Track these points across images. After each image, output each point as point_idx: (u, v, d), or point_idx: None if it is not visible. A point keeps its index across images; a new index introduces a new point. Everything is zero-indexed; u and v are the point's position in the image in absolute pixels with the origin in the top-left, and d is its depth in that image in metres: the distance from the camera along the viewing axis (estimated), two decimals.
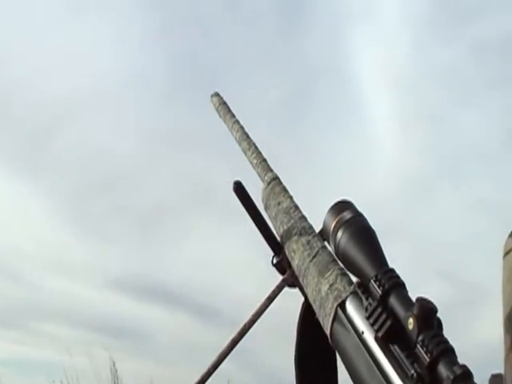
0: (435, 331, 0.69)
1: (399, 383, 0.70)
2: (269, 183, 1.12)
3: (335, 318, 0.85)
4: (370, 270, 0.79)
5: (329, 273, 0.90)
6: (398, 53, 7.00)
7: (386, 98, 7.08)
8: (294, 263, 1.00)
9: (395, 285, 0.76)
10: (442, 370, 0.66)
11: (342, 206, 0.88)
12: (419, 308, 0.69)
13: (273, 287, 1.17)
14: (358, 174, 6.65)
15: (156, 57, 7.31)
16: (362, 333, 0.78)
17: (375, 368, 0.73)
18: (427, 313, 0.69)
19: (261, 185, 1.15)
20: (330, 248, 0.91)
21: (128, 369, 7.04)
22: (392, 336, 0.73)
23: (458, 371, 0.64)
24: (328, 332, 0.86)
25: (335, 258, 0.90)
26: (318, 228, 1.00)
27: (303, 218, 1.04)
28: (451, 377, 0.64)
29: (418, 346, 0.68)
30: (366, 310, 0.78)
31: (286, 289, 1.13)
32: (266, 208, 1.10)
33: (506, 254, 0.57)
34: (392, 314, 0.74)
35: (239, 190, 1.07)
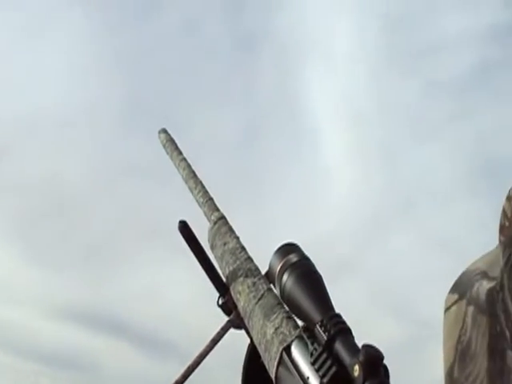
0: (381, 379, 0.68)
1: None
2: (215, 223, 1.11)
3: (280, 361, 0.84)
4: (315, 315, 0.78)
5: (274, 316, 0.90)
6: (352, 87, 7.11)
7: (341, 133, 7.18)
8: (240, 305, 0.98)
9: (341, 330, 0.75)
10: None
11: (287, 249, 0.87)
12: (365, 355, 0.69)
13: (218, 328, 1.15)
14: (311, 208, 6.69)
15: (110, 87, 7.28)
16: (307, 378, 0.77)
17: None
18: (373, 360, 0.69)
19: (207, 223, 1.14)
20: (276, 291, 0.90)
21: None
22: (337, 383, 0.72)
23: None
24: (273, 376, 0.85)
25: (281, 301, 0.89)
26: (264, 269, 0.99)
27: (249, 259, 1.03)
28: None
29: None
30: (312, 355, 0.77)
31: (232, 330, 1.11)
32: (212, 248, 1.09)
33: (447, 309, 0.57)
34: (337, 360, 0.73)
35: (184, 229, 1.05)
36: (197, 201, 1.17)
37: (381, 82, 7.01)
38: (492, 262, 0.58)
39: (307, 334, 0.80)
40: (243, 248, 1.05)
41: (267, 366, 0.88)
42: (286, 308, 0.89)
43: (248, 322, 0.95)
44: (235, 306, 1.02)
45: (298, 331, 0.84)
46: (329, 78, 7.22)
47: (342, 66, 7.18)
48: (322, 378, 0.74)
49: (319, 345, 0.76)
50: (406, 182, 6.55)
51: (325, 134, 7.17)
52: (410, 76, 6.86)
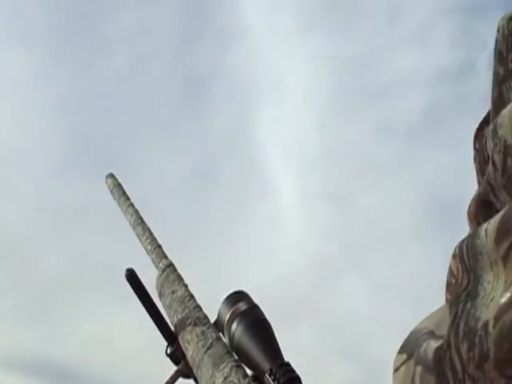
0: None
1: None
2: (163, 270, 1.10)
3: None
4: (264, 364, 0.78)
5: (223, 365, 0.88)
6: (302, 130, 7.20)
7: (293, 178, 7.23)
8: (189, 354, 0.97)
9: (290, 379, 0.74)
10: None
11: (236, 297, 0.87)
12: None
13: (166, 378, 1.13)
14: (263, 251, 6.69)
15: (56, 129, 7.21)
16: None
17: None
18: None
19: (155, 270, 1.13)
20: (225, 339, 0.89)
21: None
22: None
23: None
24: None
25: (230, 349, 0.88)
26: (213, 317, 0.97)
27: (198, 307, 1.01)
28: None
29: None
30: None
31: (181, 379, 1.09)
32: (160, 296, 1.08)
33: (396, 370, 0.57)
34: None
35: (131, 277, 1.04)
36: (144, 248, 1.16)
37: (331, 125, 7.13)
38: (439, 321, 0.58)
39: (257, 383, 0.79)
40: (192, 296, 1.04)
41: None
42: (236, 357, 0.88)
43: (197, 372, 0.93)
44: (184, 356, 1.00)
45: (247, 380, 0.83)
46: (279, 121, 7.31)
47: (292, 109, 7.29)
48: None
49: None
50: (356, 225, 6.62)
51: (276, 176, 7.23)
52: (360, 119, 7.00)
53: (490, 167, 0.62)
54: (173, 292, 1.05)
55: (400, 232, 6.45)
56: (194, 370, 0.94)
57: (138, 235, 1.18)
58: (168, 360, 1.06)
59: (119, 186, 1.28)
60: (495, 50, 0.66)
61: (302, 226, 6.91)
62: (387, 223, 6.54)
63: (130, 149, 7.06)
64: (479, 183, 0.92)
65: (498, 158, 0.59)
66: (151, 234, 1.17)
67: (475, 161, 0.94)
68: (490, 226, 0.52)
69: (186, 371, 1.02)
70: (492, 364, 0.48)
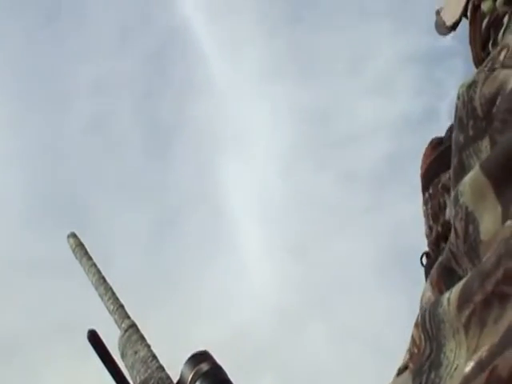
0: None
1: None
2: (126, 331, 1.10)
3: None
4: None
5: None
6: (268, 180, 7.24)
7: (256, 227, 7.24)
8: None
9: None
10: None
11: (199, 358, 0.87)
12: None
13: None
14: (227, 304, 6.64)
15: (15, 181, 7.14)
16: None
17: None
18: None
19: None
20: None
21: None
22: None
23: None
24: None
25: None
26: (176, 378, 0.97)
27: (161, 367, 1.01)
28: None
29: None
30: None
31: None
32: (123, 357, 1.07)
33: None
34: None
35: (93, 338, 1.03)
36: (107, 308, 1.16)
37: (296, 174, 7.19)
38: None
39: None
40: (154, 356, 1.04)
41: None
42: None
43: None
44: None
45: None
46: (244, 170, 7.35)
47: (255, 159, 7.34)
48: None
49: None
50: (321, 274, 6.63)
51: (239, 226, 7.22)
52: (326, 167, 7.07)
53: (451, 235, 0.62)
54: (135, 352, 1.05)
55: (363, 280, 6.47)
56: None
57: (100, 295, 1.18)
58: None
59: (81, 245, 1.28)
60: (455, 117, 0.67)
61: (265, 275, 6.90)
62: (350, 272, 6.56)
63: (93, 200, 7.02)
64: (429, 227, 0.93)
65: (459, 225, 0.60)
66: (113, 293, 1.17)
67: (427, 204, 0.94)
68: (453, 294, 0.53)
69: None
70: None
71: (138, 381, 1.01)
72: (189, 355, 0.88)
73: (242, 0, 7.17)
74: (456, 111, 0.67)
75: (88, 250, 1.28)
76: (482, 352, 0.47)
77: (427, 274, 0.86)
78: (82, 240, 1.32)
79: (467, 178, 0.59)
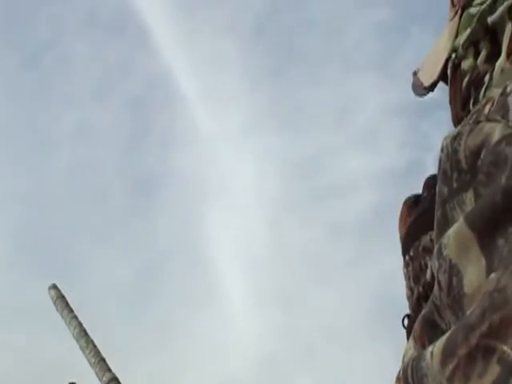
0: None
1: None
2: None
3: None
4: None
5: None
6: (253, 232, 7.23)
7: (242, 278, 7.20)
8: None
9: None
10: None
11: None
12: None
13: None
14: (212, 353, 6.57)
15: None
16: None
17: None
18: None
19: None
20: None
21: None
22: None
23: None
24: None
25: None
26: None
27: None
28: None
29: None
30: None
31: None
32: None
33: None
34: None
35: None
36: (88, 361, 1.15)
37: (281, 225, 7.19)
38: None
39: None
40: None
41: None
42: None
43: None
44: None
45: None
46: (229, 222, 7.35)
47: (241, 209, 7.35)
48: None
49: None
50: (306, 325, 6.60)
51: (225, 276, 7.20)
52: (311, 219, 7.09)
53: (435, 288, 0.62)
54: None
55: (351, 332, 6.44)
56: None
57: (81, 348, 1.17)
58: None
59: (62, 297, 1.27)
60: (439, 169, 0.67)
61: (251, 326, 6.85)
62: (338, 323, 6.53)
63: (76, 247, 6.97)
64: (410, 289, 0.93)
65: (443, 278, 0.59)
66: (95, 346, 1.16)
67: (407, 267, 0.94)
68: (436, 347, 0.52)
69: None
70: None
71: None
72: None
73: (225, 51, 7.25)
74: (440, 164, 0.68)
75: (69, 301, 1.27)
76: None
77: (409, 335, 0.88)
78: (64, 290, 1.31)
79: (451, 231, 0.60)
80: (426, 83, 0.92)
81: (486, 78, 0.79)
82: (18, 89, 7.32)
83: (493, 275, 0.52)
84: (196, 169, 7.26)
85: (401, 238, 0.96)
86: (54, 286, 1.30)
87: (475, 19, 0.84)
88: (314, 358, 6.53)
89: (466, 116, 0.76)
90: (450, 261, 0.59)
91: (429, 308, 0.66)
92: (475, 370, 0.48)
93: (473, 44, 0.83)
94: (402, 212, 0.98)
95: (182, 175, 7.32)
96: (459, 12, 0.89)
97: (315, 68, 7.17)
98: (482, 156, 0.61)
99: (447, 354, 0.51)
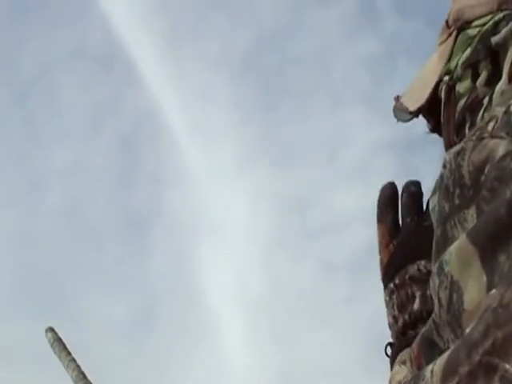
0: None
1: None
2: None
3: None
4: None
5: None
6: (247, 269, 7.20)
7: (236, 316, 7.15)
8: None
9: None
10: None
11: None
12: None
13: None
14: None
15: None
16: None
17: None
18: None
19: None
20: None
21: None
22: None
23: None
24: None
25: None
26: None
27: None
28: None
29: None
30: None
31: None
32: None
33: None
34: None
35: None
36: None
37: (274, 261, 7.17)
38: None
39: None
40: None
41: None
42: None
43: None
44: None
45: None
46: (222, 258, 7.32)
47: (235, 246, 7.32)
48: None
49: None
50: (302, 364, 6.53)
51: (219, 315, 7.15)
52: (304, 256, 7.06)
53: (435, 305, 0.61)
54: None
55: (345, 368, 6.39)
56: None
57: None
58: None
59: (59, 340, 1.27)
60: (440, 186, 0.66)
61: (246, 362, 6.79)
62: (334, 361, 6.48)
63: (71, 288, 6.93)
64: (393, 317, 0.90)
65: (443, 294, 0.59)
66: None
67: (391, 295, 0.91)
68: (437, 365, 0.51)
69: None
70: None
71: None
72: None
73: (214, 85, 7.29)
74: (441, 180, 0.66)
75: (66, 343, 1.27)
76: None
77: (392, 363, 0.86)
78: (61, 332, 1.31)
79: (453, 247, 0.59)
80: (412, 108, 0.91)
81: (485, 101, 0.78)
82: (7, 127, 7.32)
83: (494, 291, 0.51)
84: (187, 206, 7.25)
85: (382, 264, 0.95)
86: (51, 329, 1.29)
87: (476, 40, 0.83)
88: None
89: (460, 141, 0.75)
90: (452, 277, 0.58)
91: (428, 326, 0.66)
92: None
93: (470, 66, 0.82)
94: (381, 235, 0.95)
95: (173, 212, 7.31)
96: (454, 34, 0.87)
97: (304, 102, 7.22)
98: (485, 171, 0.60)
99: (448, 371, 0.50)
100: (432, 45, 0.94)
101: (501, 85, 0.78)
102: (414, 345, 0.69)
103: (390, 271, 0.92)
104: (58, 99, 7.33)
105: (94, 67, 7.28)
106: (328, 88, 7.35)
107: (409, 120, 0.93)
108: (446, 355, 0.51)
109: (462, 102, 0.82)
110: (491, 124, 0.65)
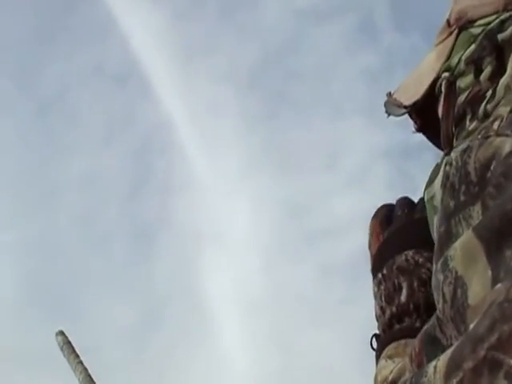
0: None
1: None
2: None
3: None
4: None
5: None
6: (248, 274, 7.24)
7: (236, 320, 7.19)
8: None
9: None
10: None
11: None
12: None
13: None
14: None
15: (5, 273, 7.12)
16: None
17: None
18: None
19: None
20: None
21: None
22: None
23: None
24: None
25: None
26: None
27: None
28: None
29: None
30: None
31: None
32: None
33: None
34: None
35: None
36: None
37: (275, 266, 7.20)
38: None
39: None
40: None
41: None
42: None
43: None
44: None
45: None
46: (224, 265, 7.36)
47: (237, 252, 7.37)
48: None
49: None
50: (301, 366, 6.58)
51: (220, 319, 7.20)
52: (303, 260, 7.10)
53: (439, 301, 0.61)
54: None
55: (343, 370, 6.42)
56: None
57: None
58: None
59: (69, 343, 1.31)
60: (445, 183, 0.66)
61: (246, 365, 6.82)
62: (333, 363, 6.51)
63: (81, 293, 6.99)
64: (381, 308, 0.89)
65: (447, 290, 0.58)
66: None
67: (379, 285, 0.90)
68: (440, 361, 0.50)
69: None
70: None
71: None
72: None
73: (223, 98, 7.39)
74: (447, 178, 0.66)
75: (75, 347, 1.34)
76: None
77: (378, 355, 0.87)
78: (70, 335, 1.37)
79: (457, 243, 0.58)
80: (407, 102, 0.90)
81: (488, 94, 0.78)
82: (29, 138, 7.47)
83: (499, 285, 0.50)
84: (192, 214, 7.32)
85: (371, 254, 0.94)
86: (61, 333, 1.34)
87: (480, 37, 0.83)
88: None
89: (459, 134, 0.80)
90: (456, 272, 0.57)
91: (432, 322, 0.65)
92: None
93: (474, 62, 0.82)
94: (372, 227, 0.95)
95: (178, 221, 7.39)
96: (455, 33, 0.87)
97: (306, 113, 7.31)
98: (491, 168, 0.60)
99: (452, 367, 0.49)
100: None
101: (505, 78, 0.77)
102: (416, 341, 0.68)
103: (379, 262, 0.91)
104: (77, 113, 7.47)
105: (110, 83, 7.42)
106: (328, 99, 7.42)
107: (401, 115, 0.92)
108: (449, 351, 0.50)
109: (462, 97, 0.82)
110: (497, 123, 0.65)
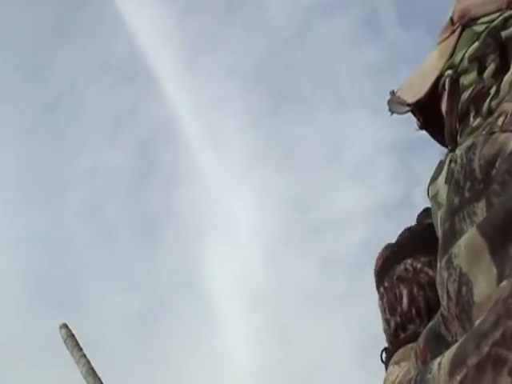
0: None
1: None
2: None
3: None
4: None
5: None
6: (250, 266, 7.25)
7: (239, 313, 7.21)
8: None
9: None
10: None
11: None
12: None
13: None
14: None
15: (9, 265, 7.15)
16: None
17: None
18: None
19: None
20: None
21: None
22: None
23: None
24: None
25: None
26: None
27: None
28: None
29: None
30: None
31: None
32: None
33: None
34: None
35: None
36: None
37: (278, 260, 7.22)
38: None
39: None
40: None
41: None
42: None
43: None
44: None
45: None
46: (228, 257, 7.38)
47: (240, 245, 7.39)
48: None
49: None
50: (302, 359, 6.59)
51: (222, 311, 7.22)
52: (306, 253, 7.11)
53: (444, 298, 0.60)
54: None
55: (344, 363, 6.43)
56: None
57: None
58: None
59: (72, 336, 1.32)
60: (450, 181, 0.66)
61: (247, 358, 6.84)
62: (333, 357, 6.52)
63: (85, 285, 7.02)
64: (386, 321, 0.90)
65: (452, 287, 0.58)
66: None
67: (382, 299, 0.91)
68: (445, 358, 0.50)
69: None
70: None
71: None
72: None
73: (228, 93, 7.41)
74: (451, 175, 0.66)
75: (79, 339, 1.34)
76: None
77: (386, 366, 0.88)
78: (74, 328, 1.38)
79: (462, 240, 0.58)
80: (410, 100, 0.91)
81: (492, 91, 0.78)
82: (37, 132, 7.51)
83: (504, 282, 0.50)
84: (197, 206, 7.34)
85: (375, 273, 0.95)
86: (65, 326, 1.35)
87: (484, 34, 0.83)
88: None
89: (463, 130, 0.81)
90: (461, 270, 0.57)
91: (436, 319, 0.65)
92: (484, 382, 0.46)
93: (477, 59, 0.82)
94: (378, 255, 0.97)
95: (182, 212, 7.41)
96: (458, 31, 0.88)
97: (310, 106, 7.31)
98: (496, 165, 0.60)
99: (456, 363, 0.48)
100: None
101: (509, 75, 0.77)
102: (421, 339, 0.68)
103: (381, 276, 0.93)
104: (84, 107, 7.50)
105: (117, 78, 7.45)
106: (332, 93, 7.43)
107: (405, 112, 0.93)
108: (454, 348, 0.50)
109: (466, 94, 0.82)
110: (501, 119, 0.65)
